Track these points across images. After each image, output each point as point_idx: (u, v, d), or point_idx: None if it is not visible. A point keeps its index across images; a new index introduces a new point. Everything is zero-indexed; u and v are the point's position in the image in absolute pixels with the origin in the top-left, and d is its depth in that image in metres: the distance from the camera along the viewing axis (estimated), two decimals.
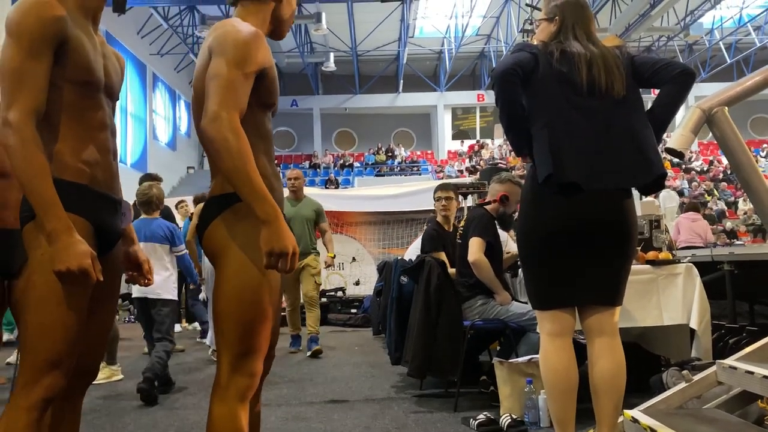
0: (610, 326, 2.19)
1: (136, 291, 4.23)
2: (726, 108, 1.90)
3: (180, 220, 7.92)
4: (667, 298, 3.12)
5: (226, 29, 1.59)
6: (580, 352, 2.29)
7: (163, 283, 4.27)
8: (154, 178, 6.24)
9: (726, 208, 17.88)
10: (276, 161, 1.86)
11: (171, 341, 4.27)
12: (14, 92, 1.41)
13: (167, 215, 6.30)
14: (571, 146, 2.09)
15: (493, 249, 3.64)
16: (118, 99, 1.71)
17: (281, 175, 2.02)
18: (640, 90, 2.24)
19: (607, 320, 2.18)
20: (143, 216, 4.45)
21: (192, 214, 6.74)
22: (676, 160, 21.90)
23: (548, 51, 2.20)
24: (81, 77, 1.53)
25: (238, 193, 1.51)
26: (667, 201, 13.12)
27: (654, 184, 2.17)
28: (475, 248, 3.56)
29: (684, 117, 1.97)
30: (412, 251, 5.46)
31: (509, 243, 4.32)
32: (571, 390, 2.16)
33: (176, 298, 4.59)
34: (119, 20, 14.74)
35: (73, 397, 1.64)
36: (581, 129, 2.12)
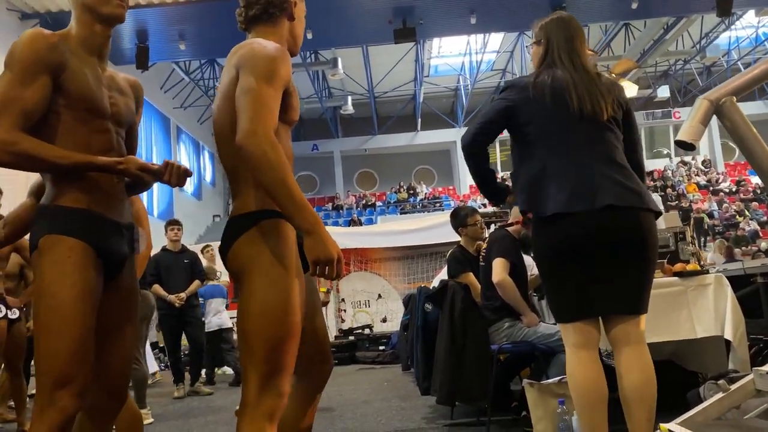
0: (636, 335, 2.13)
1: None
2: (734, 98, 1.89)
3: (206, 263, 8.06)
4: (699, 310, 3.03)
5: (252, 47, 1.61)
6: (609, 374, 2.21)
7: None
8: (176, 222, 6.43)
9: (759, 228, 17.46)
10: None
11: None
12: (1, 115, 1.49)
13: (195, 260, 6.44)
14: (558, 175, 2.10)
15: (516, 270, 3.60)
16: (130, 125, 1.77)
17: None
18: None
19: (632, 329, 2.13)
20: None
21: None
22: (704, 182, 21.61)
23: (537, 82, 2.22)
24: (81, 104, 1.60)
25: (280, 205, 1.50)
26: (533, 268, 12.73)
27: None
28: (499, 269, 3.52)
29: (692, 109, 1.96)
30: (438, 282, 5.42)
31: (534, 267, 4.27)
32: (599, 401, 2.08)
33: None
34: (142, 77, 15.19)
35: (101, 421, 1.66)
36: (572, 154, 2.13)
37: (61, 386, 1.48)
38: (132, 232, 1.74)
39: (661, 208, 2.28)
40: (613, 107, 2.17)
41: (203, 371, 7.09)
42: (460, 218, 4.28)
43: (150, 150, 17.60)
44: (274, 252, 1.54)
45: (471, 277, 3.97)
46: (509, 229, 3.79)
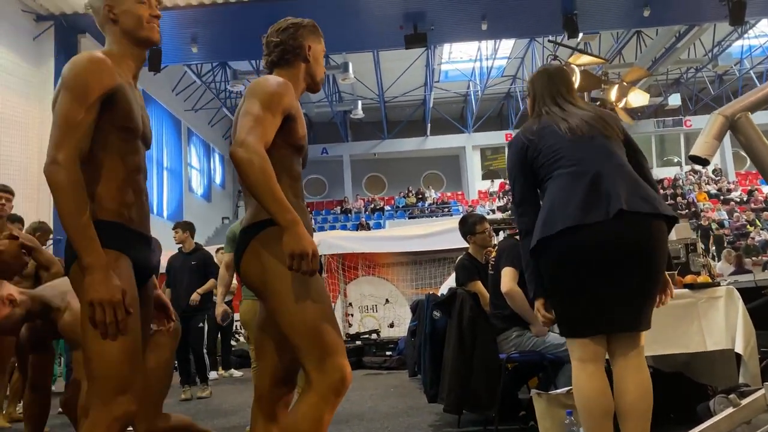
0: (636, 348, 2.12)
1: None
2: (749, 113, 1.88)
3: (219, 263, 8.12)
4: (709, 322, 3.01)
5: (259, 80, 1.81)
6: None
7: None
8: (177, 225, 6.50)
9: None
10: (308, 208, 2.00)
11: None
12: (64, 137, 1.56)
13: (206, 260, 6.48)
14: (561, 197, 2.12)
15: (524, 282, 3.58)
16: (149, 147, 1.86)
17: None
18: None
19: (632, 342, 2.12)
20: None
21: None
22: (714, 191, 21.47)
23: (529, 129, 2.30)
24: (124, 123, 1.69)
25: (262, 205, 1.65)
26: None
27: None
28: (508, 278, 3.50)
29: (707, 124, 1.95)
30: (446, 289, 5.41)
31: None
32: (604, 415, 2.06)
33: None
34: (155, 79, 15.34)
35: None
36: (573, 166, 2.15)
37: (122, 392, 1.53)
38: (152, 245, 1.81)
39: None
40: (613, 128, 2.23)
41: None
42: (469, 226, 4.27)
43: (161, 152, 17.71)
44: (277, 256, 1.67)
45: (479, 286, 3.96)
46: (518, 237, 3.77)
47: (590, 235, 2.02)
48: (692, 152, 1.92)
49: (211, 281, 6.28)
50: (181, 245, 6.42)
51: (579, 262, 2.06)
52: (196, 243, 6.52)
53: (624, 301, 2.07)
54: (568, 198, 2.08)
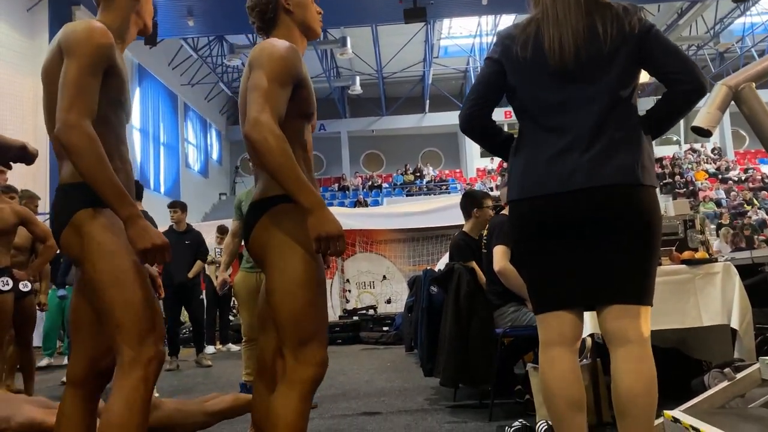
0: (635, 332, 1.72)
1: None
2: (753, 84, 1.85)
3: (214, 244, 8.21)
4: (706, 298, 3.02)
5: (263, 46, 1.71)
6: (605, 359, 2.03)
7: None
8: (174, 205, 6.60)
9: (767, 217, 17.35)
10: None
11: None
12: (74, 99, 1.53)
13: (198, 240, 6.66)
14: (536, 159, 1.79)
15: None
16: (129, 120, 1.86)
17: None
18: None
19: (630, 325, 1.72)
20: None
21: None
22: (713, 170, 21.46)
23: (510, 35, 1.84)
24: (117, 96, 1.68)
25: (284, 188, 1.60)
26: None
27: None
28: (499, 256, 3.46)
29: (710, 95, 1.92)
30: (443, 265, 5.41)
31: None
32: (569, 407, 1.76)
33: None
34: (151, 52, 15.20)
35: (90, 396, 1.71)
36: (545, 125, 1.79)
37: (148, 333, 1.56)
38: None
39: (654, 182, 1.92)
40: (611, 41, 1.72)
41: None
42: (477, 199, 4.20)
43: (158, 126, 17.60)
44: (287, 234, 1.65)
45: (474, 266, 3.96)
46: (506, 212, 3.75)
47: (544, 206, 1.76)
48: (695, 123, 1.88)
49: (199, 263, 6.65)
50: (175, 224, 6.58)
51: (537, 228, 1.81)
52: (188, 223, 6.74)
53: (599, 269, 1.75)
54: (534, 165, 1.79)
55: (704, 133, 1.87)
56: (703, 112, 1.89)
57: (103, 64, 1.60)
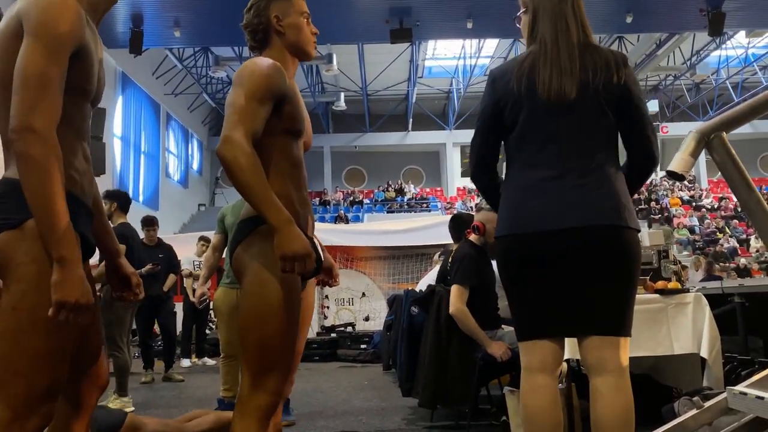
0: (614, 362, 1.77)
1: None
2: (724, 133, 1.95)
3: (193, 256, 8.14)
4: (677, 327, 3.12)
5: (246, 64, 1.73)
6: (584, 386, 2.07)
7: None
8: (151, 223, 6.54)
9: (738, 245, 17.78)
10: None
11: None
12: (38, 98, 1.29)
13: (170, 253, 6.66)
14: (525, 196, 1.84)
15: (483, 286, 3.51)
16: (96, 106, 1.63)
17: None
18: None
19: (610, 355, 1.77)
20: None
21: None
22: (687, 196, 21.91)
23: (518, 65, 1.89)
24: (82, 85, 1.45)
25: (251, 205, 1.60)
26: None
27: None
28: (454, 298, 3.39)
29: (684, 141, 2.02)
30: (423, 285, 5.46)
31: None
32: None
33: None
34: (135, 61, 15.15)
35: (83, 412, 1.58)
36: (532, 158, 1.86)
37: (52, 395, 1.36)
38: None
39: (637, 224, 2.04)
40: (601, 86, 1.79)
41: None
42: (466, 222, 4.11)
43: (139, 135, 17.49)
44: (267, 256, 1.61)
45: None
46: (472, 237, 3.72)
47: (534, 242, 1.81)
48: (669, 167, 1.98)
49: (172, 276, 6.68)
50: (148, 240, 6.50)
51: (527, 259, 1.85)
52: (158, 237, 6.72)
53: (583, 302, 1.80)
54: (522, 200, 1.85)
55: (678, 178, 1.96)
56: (678, 157, 1.99)
57: (70, 49, 1.36)
